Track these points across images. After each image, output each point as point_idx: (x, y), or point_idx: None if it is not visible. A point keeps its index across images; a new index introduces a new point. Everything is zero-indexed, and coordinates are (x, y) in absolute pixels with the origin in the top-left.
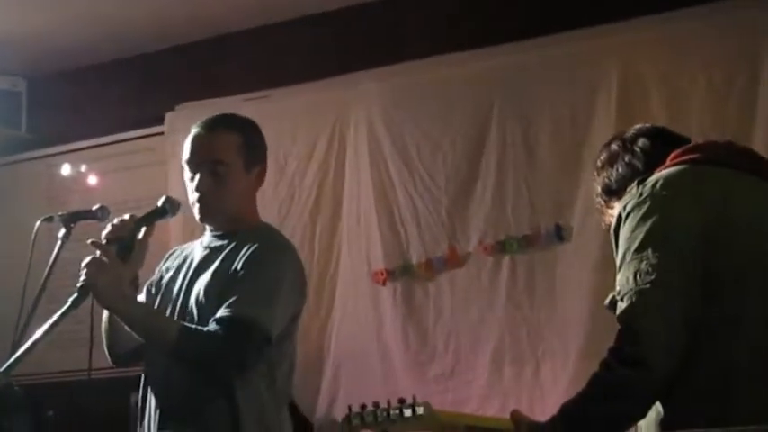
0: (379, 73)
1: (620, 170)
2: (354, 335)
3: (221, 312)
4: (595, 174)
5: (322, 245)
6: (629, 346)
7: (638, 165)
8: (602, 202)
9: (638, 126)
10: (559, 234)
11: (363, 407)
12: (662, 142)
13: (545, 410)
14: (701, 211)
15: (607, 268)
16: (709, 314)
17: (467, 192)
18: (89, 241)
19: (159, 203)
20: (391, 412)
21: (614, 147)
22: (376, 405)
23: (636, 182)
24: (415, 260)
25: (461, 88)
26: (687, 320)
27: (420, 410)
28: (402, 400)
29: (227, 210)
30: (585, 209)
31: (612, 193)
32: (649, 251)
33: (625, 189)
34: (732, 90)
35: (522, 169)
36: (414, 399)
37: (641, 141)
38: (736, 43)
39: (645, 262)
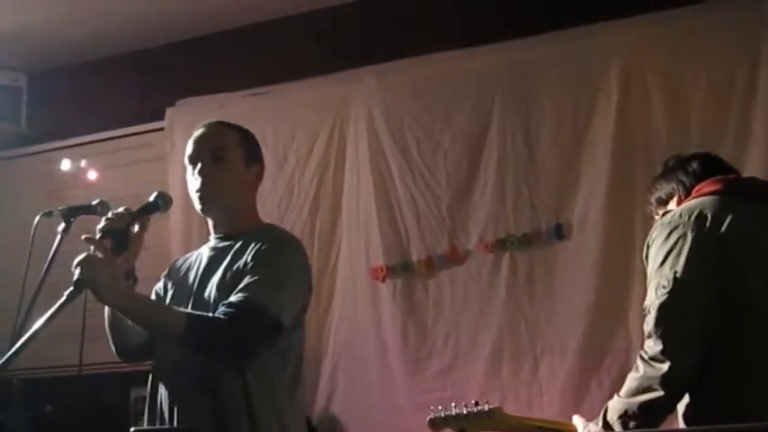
0: (379, 69)
1: (672, 184)
2: (353, 331)
3: (232, 297)
4: (652, 184)
5: (321, 241)
6: (650, 348)
7: (687, 183)
8: (654, 210)
9: (695, 152)
10: (559, 232)
11: (444, 409)
12: (711, 169)
13: (543, 407)
14: (711, 231)
15: (606, 267)
16: (724, 318)
17: (467, 189)
18: (83, 237)
19: (151, 198)
20: (468, 413)
21: (671, 163)
22: (454, 407)
23: (661, 213)
24: (415, 257)
25: (462, 85)
26: (703, 321)
27: (493, 412)
28: (477, 403)
29: (228, 198)
30: (586, 207)
31: (662, 202)
32: (667, 267)
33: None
34: (733, 87)
35: (522, 167)
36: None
37: (695, 164)
38: (737, 41)
39: (664, 277)
